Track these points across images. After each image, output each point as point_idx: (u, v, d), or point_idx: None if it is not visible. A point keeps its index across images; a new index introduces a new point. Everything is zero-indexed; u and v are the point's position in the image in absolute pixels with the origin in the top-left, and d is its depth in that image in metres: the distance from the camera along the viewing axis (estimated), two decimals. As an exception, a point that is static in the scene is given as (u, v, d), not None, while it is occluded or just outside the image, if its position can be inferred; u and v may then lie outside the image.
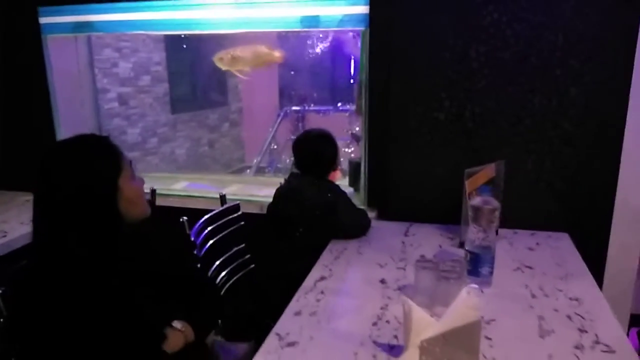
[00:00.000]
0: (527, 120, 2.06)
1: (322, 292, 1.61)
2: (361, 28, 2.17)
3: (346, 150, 4.30)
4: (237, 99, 7.22)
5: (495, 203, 1.61)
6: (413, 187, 2.24)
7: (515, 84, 2.02)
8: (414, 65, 2.11)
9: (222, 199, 2.36)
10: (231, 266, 2.25)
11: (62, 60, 2.73)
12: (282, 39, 7.02)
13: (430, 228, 2.18)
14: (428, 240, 2.05)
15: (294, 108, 5.66)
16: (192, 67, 6.14)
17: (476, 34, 2.01)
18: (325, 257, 1.90)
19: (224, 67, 2.77)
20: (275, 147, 5.43)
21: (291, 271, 2.02)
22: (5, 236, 2.16)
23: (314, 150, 2.05)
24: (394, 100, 2.17)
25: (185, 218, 1.97)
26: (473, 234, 1.61)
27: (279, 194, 2.11)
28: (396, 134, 2.20)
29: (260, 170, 5.11)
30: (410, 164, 2.22)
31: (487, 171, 1.98)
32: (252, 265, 2.33)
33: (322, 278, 1.72)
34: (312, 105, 5.85)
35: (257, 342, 1.72)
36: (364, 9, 2.13)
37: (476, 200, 1.61)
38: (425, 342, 1.10)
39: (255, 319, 1.90)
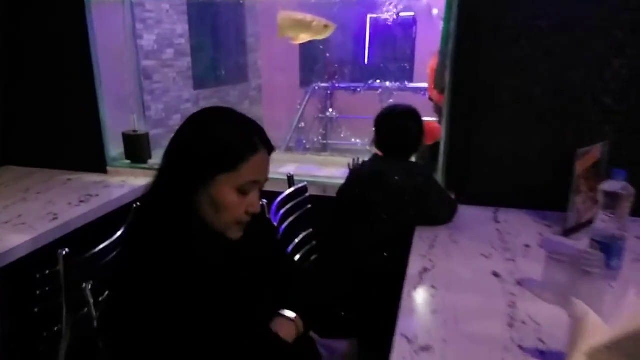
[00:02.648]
0: (633, 99, 1.86)
1: (433, 287, 1.44)
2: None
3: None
4: (257, 76, 6.98)
5: (631, 189, 1.43)
6: (499, 168, 2.06)
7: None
8: (508, 35, 1.91)
9: (290, 179, 2.17)
10: (300, 252, 2.08)
11: (106, 28, 2.51)
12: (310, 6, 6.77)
13: (521, 214, 2.00)
14: (524, 227, 1.87)
15: (322, 85, 5.42)
16: (214, 41, 5.89)
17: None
18: (419, 245, 1.72)
19: (285, 32, 2.45)
20: (303, 125, 5.23)
21: (372, 261, 1.86)
22: (56, 218, 1.98)
23: (400, 129, 1.86)
24: (483, 72, 1.97)
25: (265, 201, 1.78)
26: (604, 222, 1.43)
27: (359, 176, 1.93)
28: (483, 110, 2.01)
29: (288, 150, 4.92)
30: (496, 143, 2.03)
31: (594, 152, 1.80)
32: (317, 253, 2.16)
33: (426, 270, 1.54)
34: (337, 81, 5.62)
35: (361, 340, 1.57)
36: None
37: (611, 186, 1.43)
38: (598, 350, 0.95)
39: (326, 310, 1.75)
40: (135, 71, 2.74)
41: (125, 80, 2.70)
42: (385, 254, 1.85)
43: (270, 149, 1.14)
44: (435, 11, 2.44)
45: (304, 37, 2.26)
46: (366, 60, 6.18)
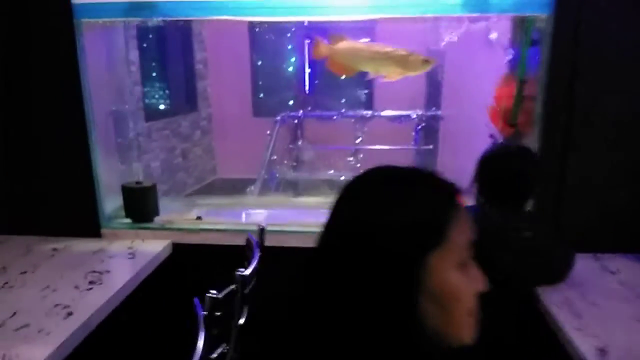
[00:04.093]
0: None
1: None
2: (542, 14, 1.71)
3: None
4: (207, 105, 6.47)
5: None
6: (595, 207, 1.83)
7: None
8: (607, 61, 1.70)
9: (261, 233, 1.80)
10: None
11: (98, 55, 2.01)
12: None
13: (631, 260, 1.77)
14: (652, 278, 1.65)
15: (292, 114, 5.06)
16: (163, 68, 5.34)
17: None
18: (561, 315, 1.42)
19: (358, 66, 2.00)
20: (275, 157, 4.83)
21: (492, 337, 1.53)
22: (71, 314, 1.45)
23: (520, 174, 1.54)
24: (580, 101, 1.74)
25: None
26: None
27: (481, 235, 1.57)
28: (580, 142, 1.78)
29: (265, 187, 4.49)
30: (593, 179, 1.80)
31: None
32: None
33: (604, 351, 1.24)
34: (308, 110, 5.31)
35: None
36: (548, -10, 1.68)
37: None
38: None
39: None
40: (130, 108, 2.24)
41: (119, 120, 2.19)
42: (505, 324, 1.52)
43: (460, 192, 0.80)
44: (494, 35, 2.18)
45: (397, 73, 1.89)
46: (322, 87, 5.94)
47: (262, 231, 1.81)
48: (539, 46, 1.85)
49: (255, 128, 6.25)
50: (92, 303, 1.51)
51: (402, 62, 1.87)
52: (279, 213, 2.27)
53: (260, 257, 1.67)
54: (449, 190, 0.75)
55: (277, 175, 4.74)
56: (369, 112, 5.07)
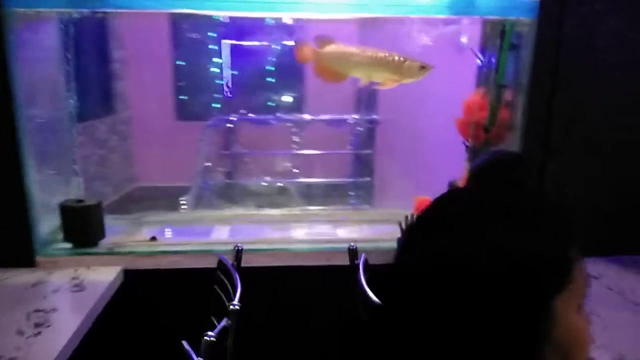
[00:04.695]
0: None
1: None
2: (527, 18, 1.68)
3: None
4: (125, 107, 5.98)
5: None
6: (573, 212, 1.83)
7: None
8: (588, 67, 1.71)
9: (238, 254, 1.63)
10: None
11: (31, 52, 1.70)
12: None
13: (611, 263, 1.80)
14: (629, 281, 1.67)
15: (225, 118, 4.79)
16: (79, 67, 4.83)
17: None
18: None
19: (347, 71, 1.82)
20: (208, 164, 4.54)
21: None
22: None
23: (519, 183, 1.48)
24: (560, 107, 1.74)
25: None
26: None
27: None
28: (559, 148, 1.77)
29: (199, 198, 4.20)
30: (571, 186, 1.81)
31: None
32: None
33: (625, 365, 1.21)
34: (242, 114, 5.07)
35: None
36: (534, -7, 1.65)
37: None
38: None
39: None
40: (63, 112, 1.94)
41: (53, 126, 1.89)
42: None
43: None
44: (464, 39, 2.13)
45: (392, 80, 1.73)
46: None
47: (239, 252, 1.61)
48: (516, 51, 1.83)
49: (179, 132, 5.90)
50: (44, 352, 1.24)
51: (397, 68, 1.74)
52: (244, 229, 2.06)
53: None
54: (567, 219, 0.64)
55: (211, 183, 4.48)
56: (307, 116, 4.95)
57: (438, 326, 0.59)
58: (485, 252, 0.58)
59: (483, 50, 2.03)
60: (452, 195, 0.71)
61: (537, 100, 1.75)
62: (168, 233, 2.01)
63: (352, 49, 1.76)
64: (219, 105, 5.73)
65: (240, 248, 1.61)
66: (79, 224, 1.78)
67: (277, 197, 4.46)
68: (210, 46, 6.13)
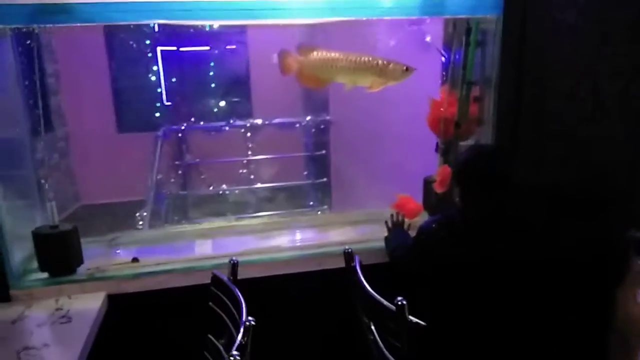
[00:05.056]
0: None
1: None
2: (493, 15, 1.76)
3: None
4: (63, 123, 5.66)
5: None
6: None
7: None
8: (552, 61, 1.81)
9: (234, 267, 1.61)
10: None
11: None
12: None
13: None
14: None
15: (174, 127, 4.66)
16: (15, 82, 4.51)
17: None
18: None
19: (333, 77, 1.79)
20: (160, 176, 4.39)
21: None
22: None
23: (504, 171, 1.55)
24: (525, 102, 1.83)
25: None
26: None
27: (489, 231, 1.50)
28: (527, 139, 1.87)
29: (156, 213, 4.05)
30: (539, 175, 1.91)
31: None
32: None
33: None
34: (191, 123, 4.94)
35: None
36: (496, -8, 1.73)
37: None
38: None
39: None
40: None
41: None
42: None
43: None
44: (428, 38, 2.19)
45: (378, 83, 1.73)
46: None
47: (234, 265, 1.58)
48: (482, 48, 1.91)
49: (122, 145, 5.66)
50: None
51: (382, 71, 1.76)
52: (225, 241, 2.02)
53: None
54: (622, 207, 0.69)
55: (166, 193, 4.33)
56: (258, 121, 4.90)
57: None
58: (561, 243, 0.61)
59: (446, 47, 2.11)
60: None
61: (505, 95, 1.83)
62: (146, 253, 1.93)
63: (336, 55, 1.76)
64: (160, 114, 5.58)
65: (235, 262, 1.58)
66: (55, 252, 1.68)
67: (238, 204, 4.40)
68: (148, 54, 5.96)
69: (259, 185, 4.70)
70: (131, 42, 5.78)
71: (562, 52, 1.80)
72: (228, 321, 1.49)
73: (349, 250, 1.64)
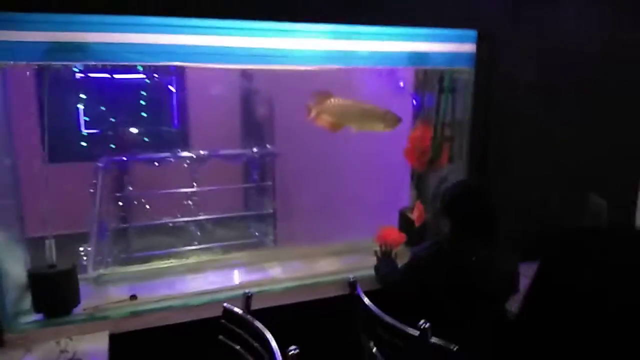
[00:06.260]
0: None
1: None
2: (467, 67, 2.00)
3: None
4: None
5: None
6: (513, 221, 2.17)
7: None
8: (512, 110, 2.09)
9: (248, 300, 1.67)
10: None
11: None
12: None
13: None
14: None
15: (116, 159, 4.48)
16: None
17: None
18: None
19: (345, 122, 1.99)
20: (101, 209, 4.20)
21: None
22: None
23: (487, 203, 1.76)
24: (492, 143, 2.09)
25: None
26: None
27: (471, 265, 1.68)
28: (494, 172, 2.12)
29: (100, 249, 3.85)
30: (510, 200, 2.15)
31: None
32: None
33: None
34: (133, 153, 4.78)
35: None
36: (470, 48, 1.98)
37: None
38: None
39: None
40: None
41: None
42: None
43: None
44: (401, 83, 2.39)
45: (379, 129, 1.93)
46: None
47: (248, 298, 1.62)
48: (452, 94, 2.15)
49: (55, 176, 5.34)
50: None
51: (382, 119, 1.96)
52: (216, 275, 2.05)
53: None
54: None
55: (106, 224, 4.15)
56: (202, 152, 4.87)
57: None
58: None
59: (417, 92, 2.34)
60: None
61: (476, 136, 2.07)
62: (144, 289, 1.90)
63: (348, 102, 1.94)
64: (85, 144, 5.35)
65: (250, 294, 1.63)
66: (53, 292, 1.63)
67: (186, 236, 4.31)
68: (81, 82, 5.72)
69: (204, 216, 4.64)
70: (62, 71, 5.53)
71: (520, 103, 2.09)
72: (246, 354, 1.53)
73: (353, 279, 1.76)
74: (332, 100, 1.95)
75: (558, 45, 2.10)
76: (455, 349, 1.41)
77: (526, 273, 2.02)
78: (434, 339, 1.42)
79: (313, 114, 1.96)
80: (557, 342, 0.74)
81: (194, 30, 1.64)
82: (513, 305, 1.77)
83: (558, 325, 0.76)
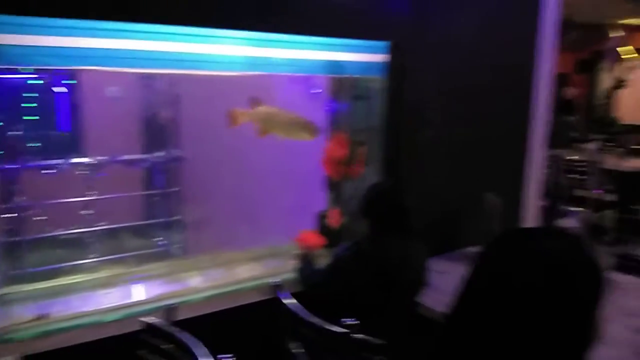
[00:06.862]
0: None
1: None
2: (378, 76, 2.12)
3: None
4: None
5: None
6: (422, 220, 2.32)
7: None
8: (420, 114, 2.25)
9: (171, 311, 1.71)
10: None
11: None
12: None
13: (448, 260, 2.33)
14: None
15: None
16: None
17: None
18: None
19: (271, 129, 2.00)
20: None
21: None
22: None
23: (402, 202, 1.87)
24: (403, 147, 2.23)
25: None
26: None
27: (390, 261, 1.78)
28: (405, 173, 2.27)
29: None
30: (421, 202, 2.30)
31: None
32: None
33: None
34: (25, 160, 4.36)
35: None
36: (382, 58, 2.10)
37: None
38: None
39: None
40: None
41: None
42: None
43: None
44: (316, 90, 2.46)
45: (305, 138, 1.95)
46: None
47: (172, 309, 1.59)
48: (366, 101, 2.26)
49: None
50: None
51: (306, 128, 2.00)
52: (129, 288, 1.97)
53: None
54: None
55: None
56: (101, 158, 4.59)
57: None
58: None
59: (331, 98, 2.42)
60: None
61: (389, 141, 2.20)
62: (49, 307, 1.78)
63: (276, 110, 1.96)
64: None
65: (173, 305, 1.60)
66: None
67: (87, 248, 4.04)
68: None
69: (105, 226, 4.39)
70: None
71: (426, 107, 2.25)
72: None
73: (279, 283, 1.79)
74: (263, 107, 1.99)
75: (457, 52, 2.30)
76: (379, 343, 1.50)
77: (434, 268, 2.20)
78: (358, 335, 1.49)
79: (240, 120, 1.97)
80: (494, 338, 0.80)
81: (105, 33, 1.58)
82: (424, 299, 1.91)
83: (495, 321, 0.81)
